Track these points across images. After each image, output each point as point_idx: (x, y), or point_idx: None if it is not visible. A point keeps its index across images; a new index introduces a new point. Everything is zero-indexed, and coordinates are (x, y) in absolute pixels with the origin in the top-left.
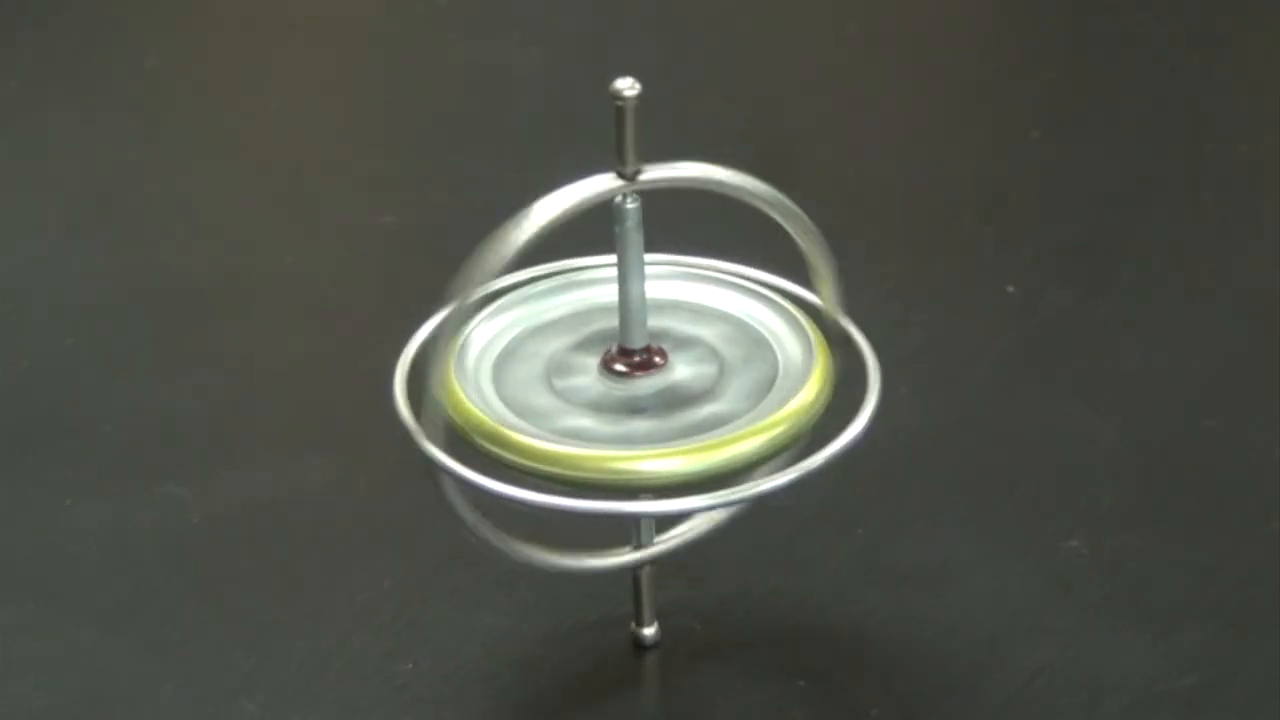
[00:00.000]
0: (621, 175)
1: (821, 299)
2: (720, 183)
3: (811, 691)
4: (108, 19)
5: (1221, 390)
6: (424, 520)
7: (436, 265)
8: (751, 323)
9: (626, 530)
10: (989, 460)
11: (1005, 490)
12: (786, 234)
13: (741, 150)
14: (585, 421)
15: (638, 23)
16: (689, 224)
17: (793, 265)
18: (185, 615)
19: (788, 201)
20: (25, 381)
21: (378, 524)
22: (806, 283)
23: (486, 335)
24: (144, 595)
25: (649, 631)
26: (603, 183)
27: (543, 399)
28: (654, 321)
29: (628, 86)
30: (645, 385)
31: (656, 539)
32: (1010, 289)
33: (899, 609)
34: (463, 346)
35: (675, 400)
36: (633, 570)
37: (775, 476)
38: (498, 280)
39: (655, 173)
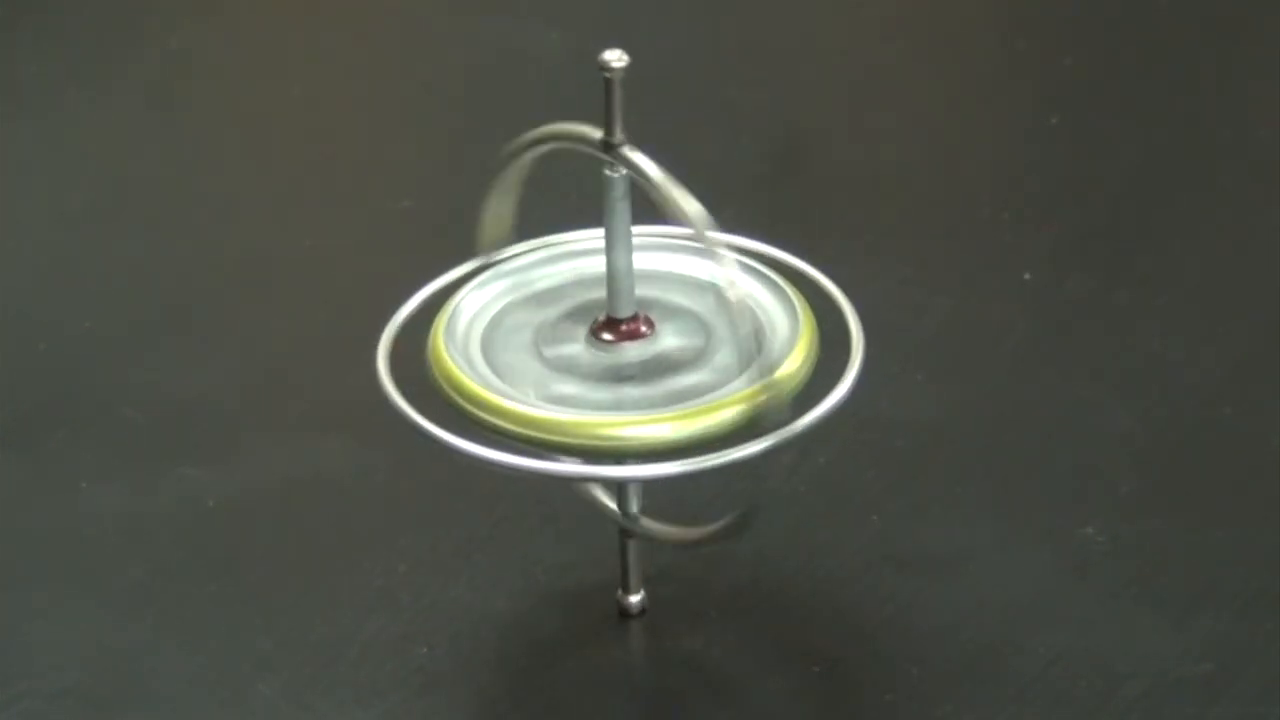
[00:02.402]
0: (609, 145)
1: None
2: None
3: (826, 677)
4: (129, 1)
5: (1239, 378)
6: (440, 504)
7: (456, 250)
8: None
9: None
10: (1006, 447)
11: (1022, 477)
12: (776, 207)
13: (760, 134)
14: (573, 388)
15: (658, 6)
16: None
17: (782, 238)
18: (202, 598)
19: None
20: (43, 364)
21: (394, 507)
22: (794, 253)
23: (476, 304)
24: (161, 578)
25: (634, 599)
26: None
27: (531, 366)
28: (642, 292)
29: (616, 58)
30: (632, 353)
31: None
32: (1027, 276)
33: (915, 595)
34: (453, 315)
35: (661, 368)
36: (620, 540)
37: (755, 442)
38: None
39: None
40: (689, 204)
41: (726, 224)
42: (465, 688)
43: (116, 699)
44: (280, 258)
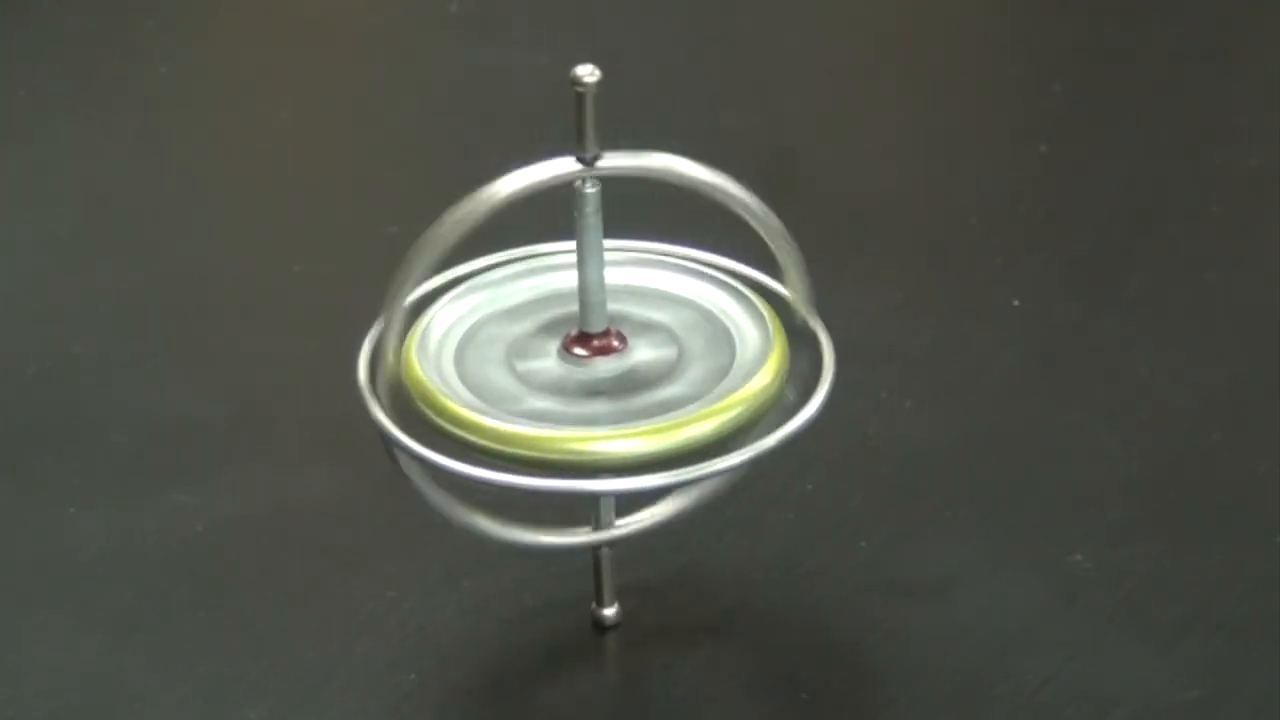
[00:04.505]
0: (581, 160)
1: (791, 292)
2: (680, 174)
3: (814, 704)
4: (118, 26)
5: (1228, 403)
6: (429, 529)
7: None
8: (710, 308)
9: (587, 511)
10: (994, 472)
11: (1010, 502)
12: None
13: (750, 159)
14: (546, 404)
15: (647, 30)
16: (649, 209)
17: (751, 251)
18: (189, 623)
19: (749, 196)
20: (31, 387)
21: (382, 532)
22: (765, 268)
23: (449, 319)
24: (148, 603)
25: (609, 612)
26: (561, 166)
27: (504, 382)
28: (614, 306)
29: (588, 73)
30: (605, 368)
31: (618, 522)
32: (1016, 302)
33: (903, 621)
34: (425, 330)
35: (634, 383)
36: (594, 551)
37: (727, 456)
38: (453, 259)
39: (614, 160)
40: (460, 209)
41: (717, 244)
42: (454, 714)
43: None
44: (269, 282)
